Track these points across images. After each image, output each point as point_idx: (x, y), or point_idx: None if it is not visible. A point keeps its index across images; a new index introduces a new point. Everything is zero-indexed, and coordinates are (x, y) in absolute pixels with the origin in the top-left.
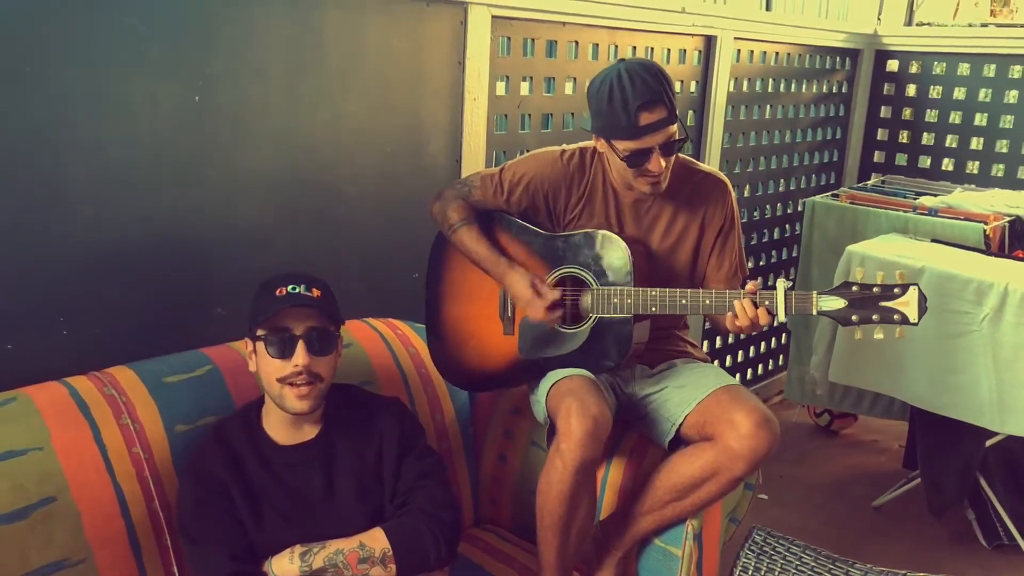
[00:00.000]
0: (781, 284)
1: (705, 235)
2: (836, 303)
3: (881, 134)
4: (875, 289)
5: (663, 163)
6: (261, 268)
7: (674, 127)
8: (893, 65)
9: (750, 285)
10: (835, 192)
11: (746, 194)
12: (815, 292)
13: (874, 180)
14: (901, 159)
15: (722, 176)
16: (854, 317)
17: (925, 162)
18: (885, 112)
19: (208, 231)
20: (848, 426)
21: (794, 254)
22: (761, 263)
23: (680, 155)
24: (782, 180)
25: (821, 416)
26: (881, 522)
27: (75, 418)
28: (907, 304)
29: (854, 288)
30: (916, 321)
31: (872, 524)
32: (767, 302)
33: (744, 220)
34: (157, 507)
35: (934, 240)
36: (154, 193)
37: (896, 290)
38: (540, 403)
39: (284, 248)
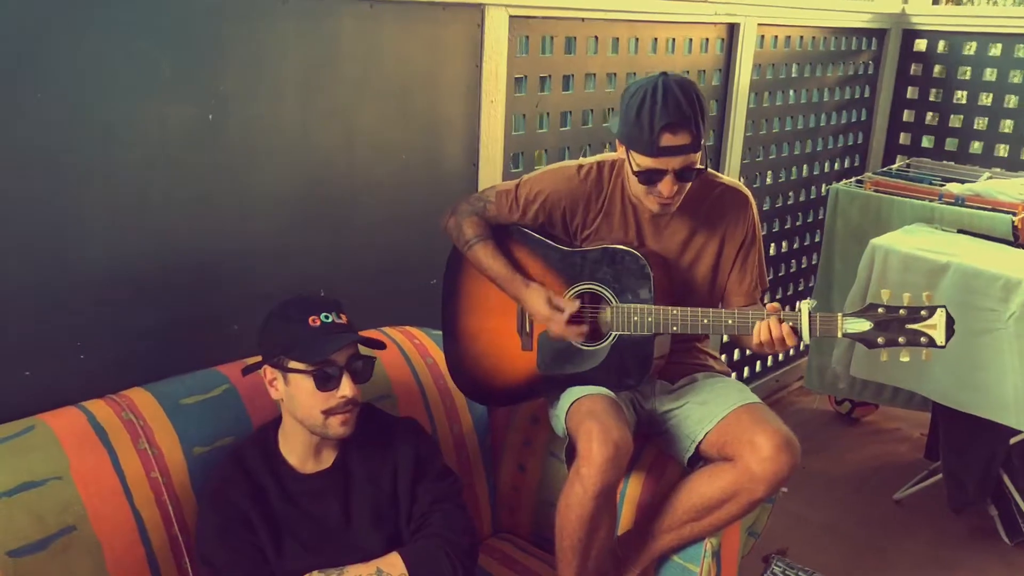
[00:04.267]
0: (805, 305)
1: (725, 250)
2: (862, 325)
3: (907, 116)
4: (901, 311)
5: (675, 187)
6: (278, 283)
7: (696, 155)
8: (921, 45)
9: (773, 305)
10: (859, 179)
11: (768, 181)
12: (840, 314)
13: (899, 163)
14: (928, 141)
15: (743, 189)
16: (880, 340)
17: (952, 145)
18: (912, 93)
19: (223, 248)
20: (869, 414)
21: (816, 240)
22: (783, 249)
23: None
24: (805, 165)
25: (842, 404)
26: (902, 516)
27: (93, 445)
28: (934, 327)
29: (880, 310)
30: (944, 344)
31: (893, 518)
32: (791, 323)
33: (767, 208)
34: (176, 532)
35: (960, 231)
36: (168, 213)
37: (923, 312)
38: (560, 418)
39: (301, 261)
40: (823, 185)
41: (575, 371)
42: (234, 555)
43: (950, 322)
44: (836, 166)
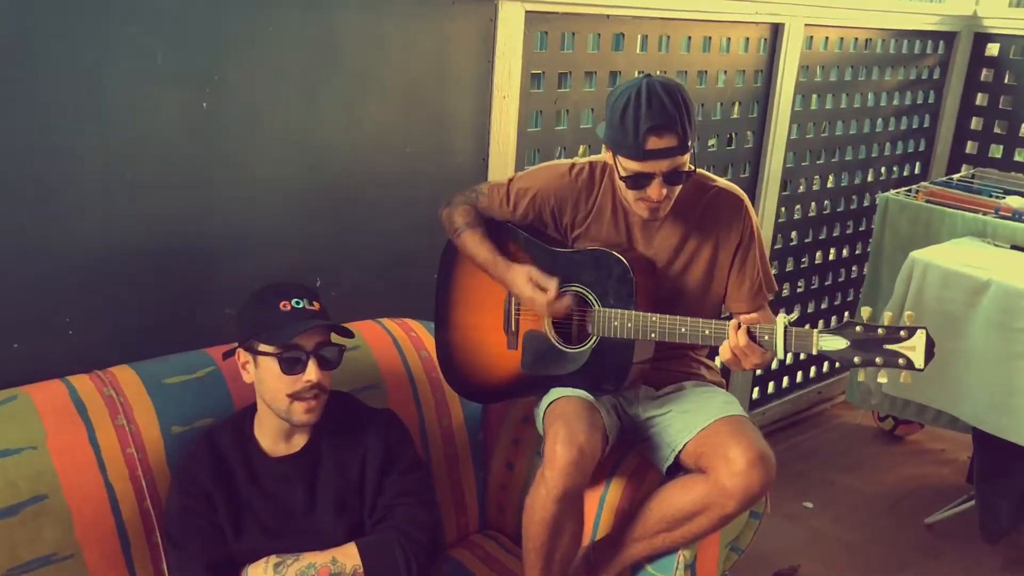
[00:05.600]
0: (781, 319)
1: (720, 254)
2: (837, 343)
3: (975, 123)
4: (880, 331)
5: (664, 191)
6: (273, 268)
7: (683, 157)
8: (993, 49)
9: (753, 315)
10: (911, 188)
11: (816, 187)
12: (816, 331)
13: (963, 172)
14: (996, 151)
15: (738, 191)
16: (856, 359)
17: (1022, 155)
18: (981, 100)
19: (218, 233)
20: (914, 432)
21: (868, 249)
22: (831, 258)
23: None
24: (859, 172)
25: (885, 420)
26: (932, 541)
27: (72, 418)
28: (913, 349)
29: (858, 328)
30: (923, 367)
31: (922, 543)
32: (766, 336)
33: (813, 214)
34: (149, 506)
35: (1014, 246)
36: (162, 196)
37: (903, 333)
38: (540, 418)
39: (299, 249)
40: (880, 192)
41: (557, 373)
42: (193, 532)
43: (930, 344)
44: (894, 173)
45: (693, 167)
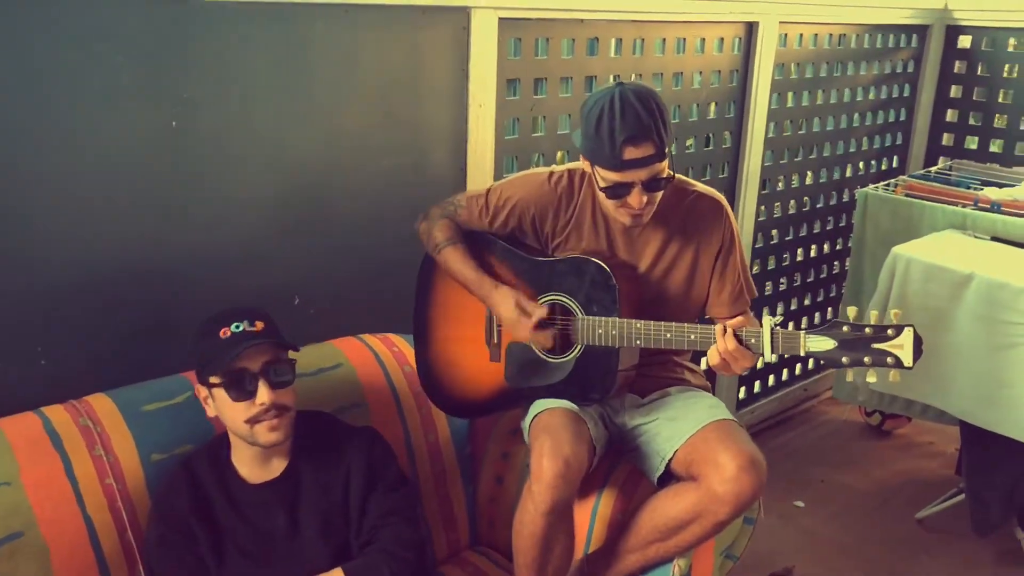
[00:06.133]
0: (767, 321)
1: (701, 259)
2: (825, 344)
3: (951, 115)
4: (867, 330)
5: (644, 199)
6: (251, 290)
7: (661, 164)
8: (965, 41)
9: (737, 319)
10: (890, 182)
11: (795, 184)
12: (803, 332)
13: (941, 165)
14: (972, 142)
15: (718, 196)
16: (844, 359)
17: (997, 146)
18: (955, 92)
19: (192, 255)
20: (901, 426)
21: (850, 245)
22: (812, 255)
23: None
24: (836, 168)
25: (872, 416)
26: (924, 537)
27: (46, 451)
28: (901, 347)
29: (845, 328)
30: (911, 365)
31: (914, 539)
32: (753, 340)
33: (792, 211)
34: (131, 538)
35: (994, 238)
36: (132, 218)
37: (890, 331)
38: (526, 431)
39: (275, 268)
40: (858, 188)
41: (542, 384)
42: (173, 564)
43: (918, 342)
44: (872, 168)
45: (672, 172)
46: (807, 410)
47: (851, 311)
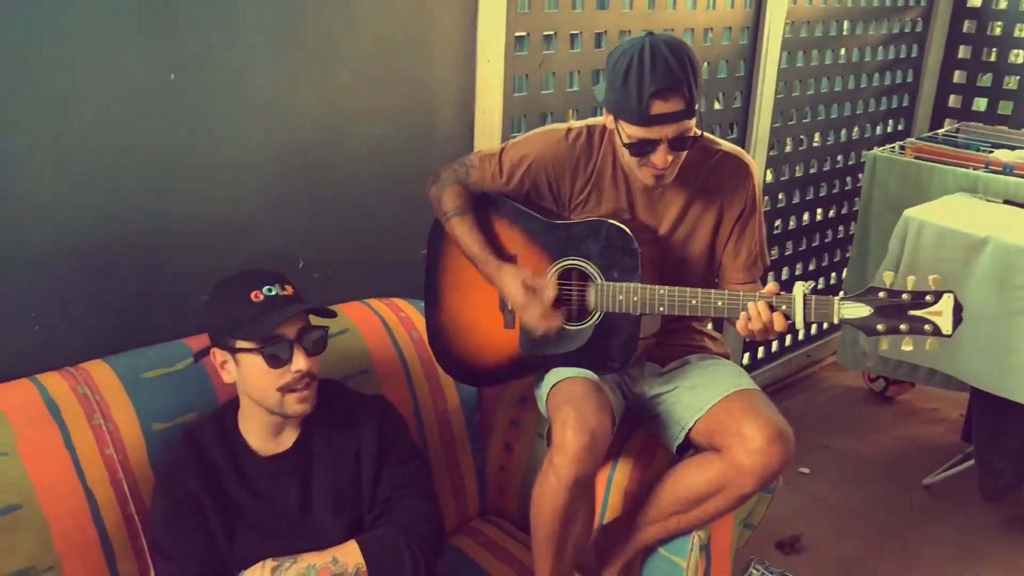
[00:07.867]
0: (799, 288)
1: (723, 221)
2: (861, 311)
3: (959, 77)
4: (904, 296)
5: (669, 158)
6: (247, 252)
7: (690, 122)
8: (975, 0)
9: (770, 286)
10: (899, 144)
11: (803, 146)
12: (837, 298)
13: (948, 127)
14: (980, 104)
15: (744, 155)
16: (880, 327)
17: (1007, 108)
18: (964, 52)
19: (188, 216)
20: (905, 392)
21: (855, 208)
22: (818, 218)
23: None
24: (844, 130)
25: (876, 381)
26: (931, 503)
27: (44, 420)
28: (940, 314)
29: (881, 294)
30: (950, 333)
31: (922, 505)
32: (784, 307)
33: (800, 174)
34: (132, 511)
35: (1007, 201)
36: (128, 180)
37: (928, 297)
38: (542, 400)
39: (275, 230)
40: (864, 151)
41: (557, 352)
42: (182, 541)
43: (958, 309)
44: (879, 131)
45: (700, 131)
46: (810, 376)
47: (887, 276)
